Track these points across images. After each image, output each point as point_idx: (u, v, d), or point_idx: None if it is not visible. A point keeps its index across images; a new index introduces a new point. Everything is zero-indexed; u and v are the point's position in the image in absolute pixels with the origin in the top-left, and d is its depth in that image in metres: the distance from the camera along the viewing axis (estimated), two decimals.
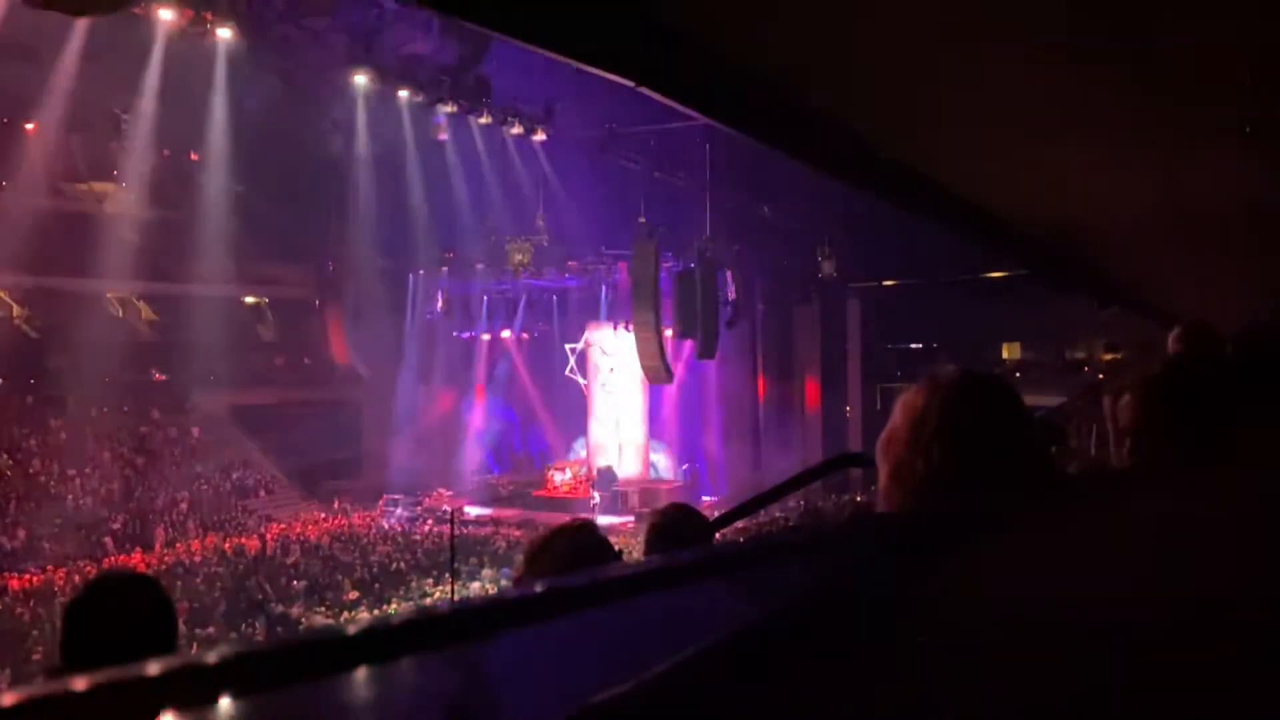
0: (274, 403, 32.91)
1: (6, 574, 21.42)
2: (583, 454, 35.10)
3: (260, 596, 20.76)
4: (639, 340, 29.36)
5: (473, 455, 35.00)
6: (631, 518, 27.65)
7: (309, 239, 32.01)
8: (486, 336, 35.55)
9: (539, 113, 25.61)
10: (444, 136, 26.11)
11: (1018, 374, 30.08)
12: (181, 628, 2.36)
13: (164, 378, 31.17)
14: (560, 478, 32.87)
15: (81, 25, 22.15)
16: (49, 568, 22.13)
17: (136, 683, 0.50)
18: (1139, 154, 6.18)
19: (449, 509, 28.10)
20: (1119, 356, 29.17)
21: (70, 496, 25.54)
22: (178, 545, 24.85)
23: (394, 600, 21.20)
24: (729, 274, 30.78)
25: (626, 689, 0.50)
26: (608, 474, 33.05)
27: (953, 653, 0.64)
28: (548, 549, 2.15)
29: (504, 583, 20.04)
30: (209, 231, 29.70)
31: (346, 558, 24.12)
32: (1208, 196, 7.20)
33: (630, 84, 4.41)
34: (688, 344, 30.43)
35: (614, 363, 34.91)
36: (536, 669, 0.59)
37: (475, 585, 21.55)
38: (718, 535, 3.19)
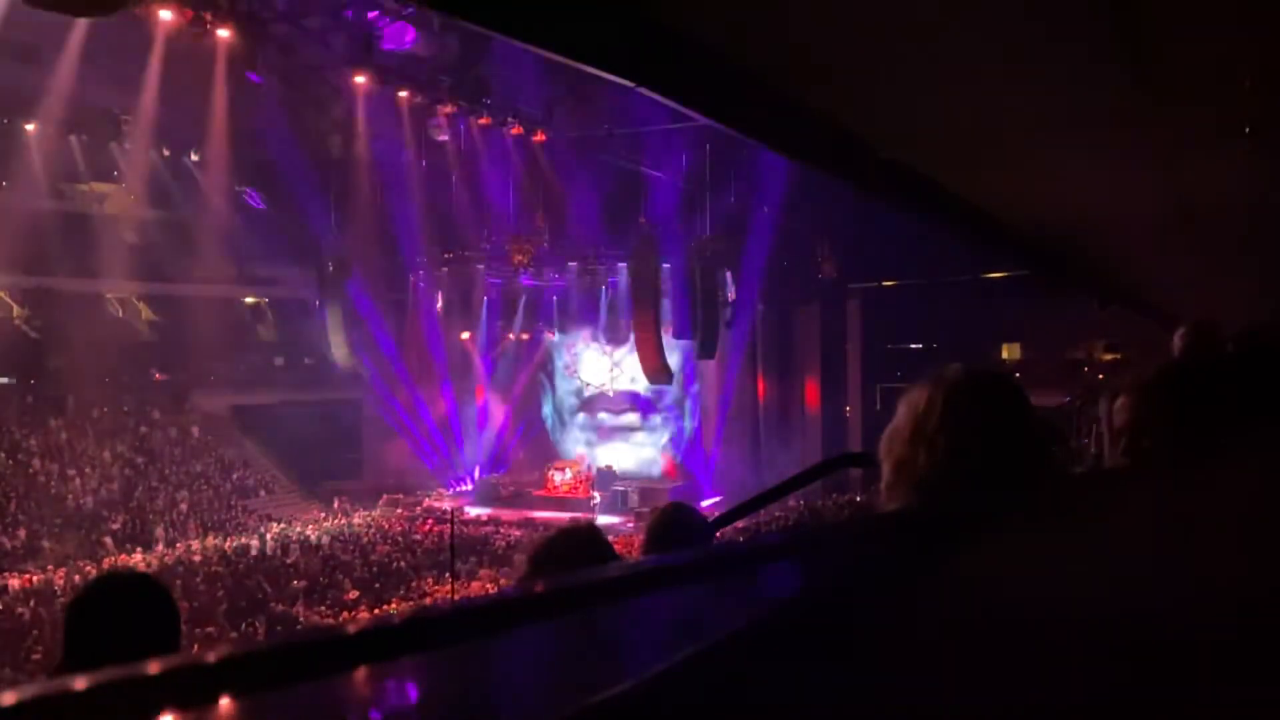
0: (274, 403, 32.92)
1: (6, 574, 21.42)
2: (582, 453, 35.12)
3: (260, 596, 20.75)
4: (639, 341, 29.38)
5: (473, 455, 34.99)
6: (631, 518, 27.65)
7: (309, 239, 31.99)
8: (486, 336, 35.55)
9: (539, 113, 25.62)
10: (444, 136, 26.10)
11: (1018, 374, 30.02)
12: (181, 627, 2.36)
13: (164, 378, 31.17)
14: (560, 478, 32.88)
15: (81, 25, 22.14)
16: (49, 568, 22.12)
17: (136, 683, 0.50)
18: (1139, 154, 6.18)
19: (449, 509, 28.10)
20: (1119, 356, 29.18)
21: (70, 496, 25.55)
22: (178, 545, 24.85)
23: (394, 600, 21.20)
24: (729, 274, 30.79)
25: (626, 689, 0.50)
26: (608, 474, 33.07)
27: (952, 653, 0.64)
28: (550, 550, 2.15)
29: (504, 582, 20.05)
30: (209, 231, 29.70)
31: (346, 558, 24.12)
32: (1208, 196, 7.20)
33: (630, 84, 4.41)
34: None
35: (613, 362, 34.97)
36: (536, 669, 0.59)
37: (475, 585, 21.54)
38: (718, 535, 3.19)
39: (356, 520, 28.98)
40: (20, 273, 27.26)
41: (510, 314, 35.23)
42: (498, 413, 36.36)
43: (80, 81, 23.84)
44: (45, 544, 23.38)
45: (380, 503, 31.13)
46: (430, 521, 28.69)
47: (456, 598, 17.04)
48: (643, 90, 4.52)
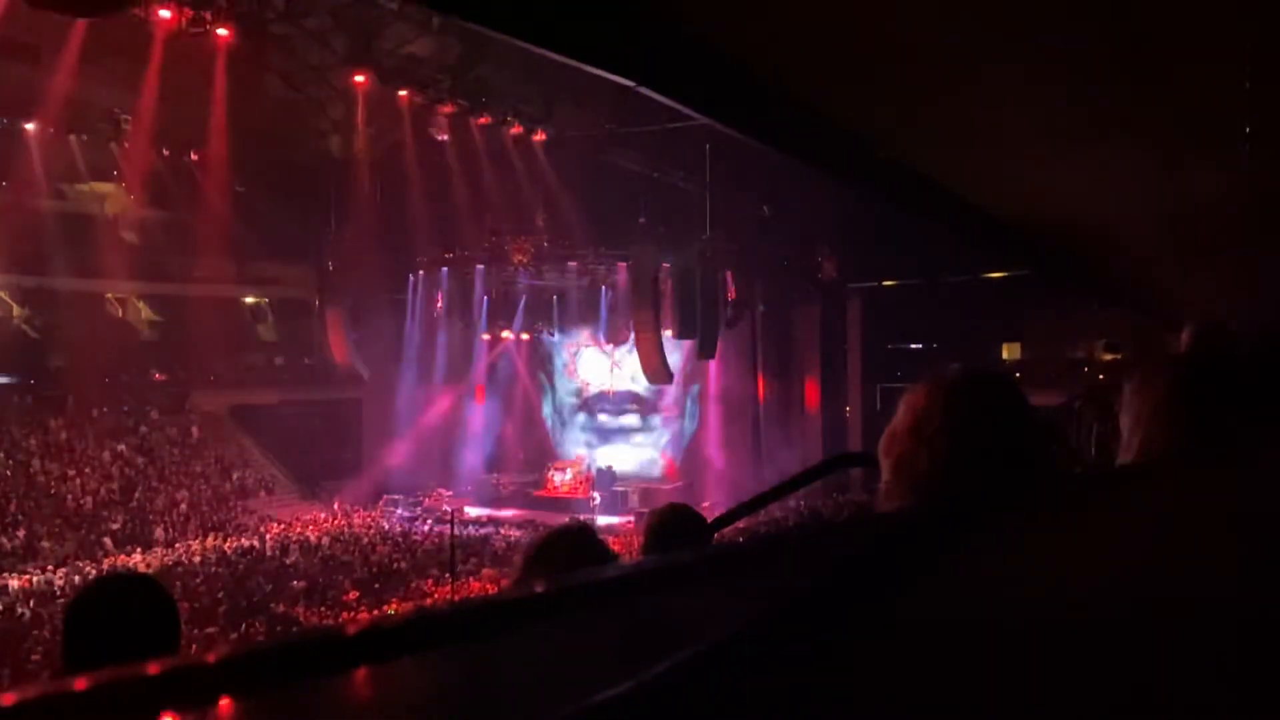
0: (274, 403, 32.93)
1: (6, 574, 21.42)
2: (582, 454, 35.13)
3: (260, 596, 20.76)
4: (639, 340, 29.37)
5: (473, 455, 34.99)
6: (631, 518, 27.65)
7: (309, 239, 32.01)
8: (486, 336, 35.54)
9: (539, 113, 25.63)
10: (444, 136, 26.11)
11: (1018, 374, 30.05)
12: (181, 628, 2.36)
13: (164, 378, 31.17)
14: (560, 478, 32.88)
15: (81, 25, 22.13)
16: (49, 568, 22.12)
17: (136, 683, 0.50)
18: (1139, 154, 6.18)
19: (449, 509, 28.10)
20: (1119, 356, 29.16)
21: (70, 496, 25.54)
22: (177, 545, 24.85)
23: (394, 600, 21.20)
24: (729, 274, 30.79)
25: (626, 689, 0.50)
26: (608, 474, 33.07)
27: (952, 653, 0.64)
28: (545, 552, 2.15)
29: (504, 583, 20.04)
30: (209, 231, 29.70)
31: (346, 558, 24.12)
32: (1208, 196, 7.20)
33: (630, 84, 4.41)
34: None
35: (613, 362, 34.98)
36: (536, 669, 0.59)
37: (475, 585, 21.54)
38: (717, 535, 3.19)
39: (356, 520, 28.98)
40: (20, 273, 27.27)
41: (510, 314, 35.21)
42: (498, 413, 36.36)
43: (80, 81, 23.85)
44: (45, 544, 23.39)
45: (380, 503, 31.13)
46: (430, 521, 28.70)
47: (456, 598, 17.05)
48: (643, 90, 4.52)
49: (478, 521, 29.55)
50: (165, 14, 18.83)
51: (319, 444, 32.45)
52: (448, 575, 21.56)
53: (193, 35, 19.88)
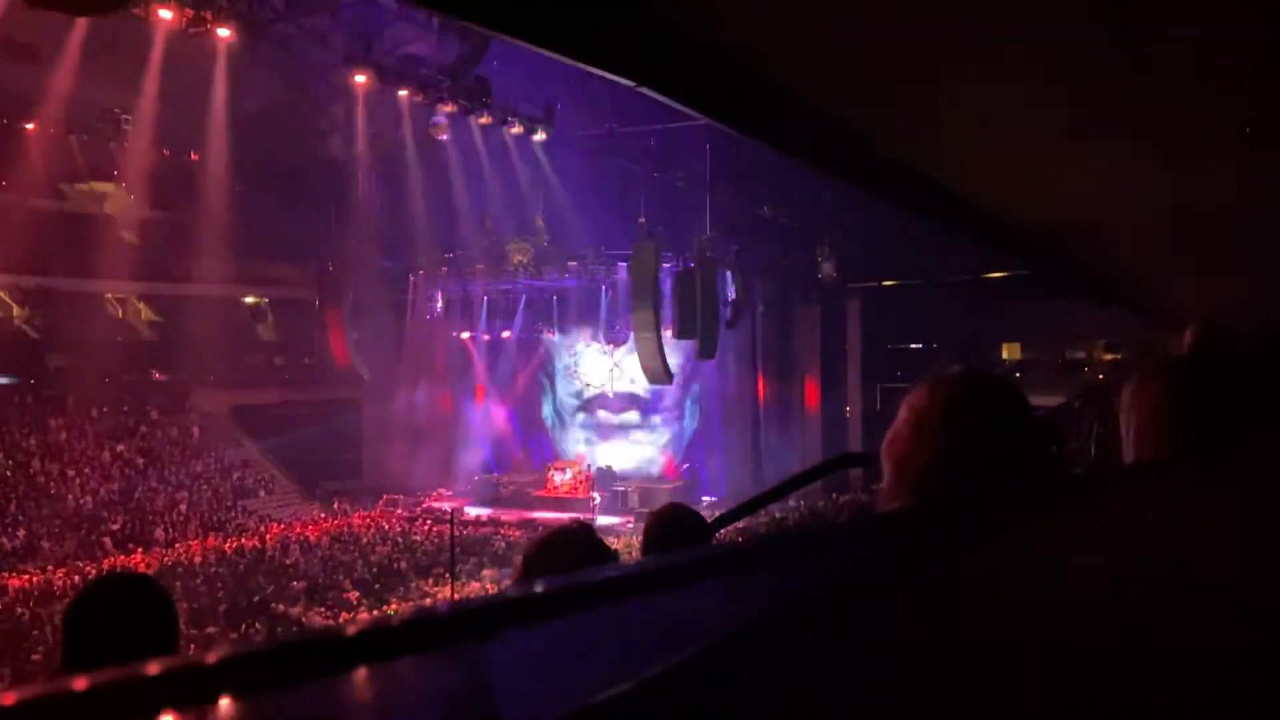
0: (274, 403, 32.93)
1: (6, 574, 21.42)
2: (582, 453, 35.13)
3: (259, 597, 20.76)
4: (639, 341, 29.37)
5: (473, 455, 35.00)
6: (631, 518, 27.66)
7: (309, 239, 32.02)
8: (486, 337, 35.55)
9: (539, 113, 25.63)
10: (444, 136, 26.12)
11: (1018, 374, 30.07)
12: (181, 627, 2.36)
13: (164, 378, 31.17)
14: (560, 478, 32.88)
15: (81, 25, 22.14)
16: (49, 568, 22.12)
17: (136, 683, 0.50)
18: (1139, 154, 6.18)
19: (449, 509, 28.10)
20: (1119, 356, 29.17)
21: (70, 496, 25.54)
22: (177, 545, 24.85)
23: (394, 600, 21.20)
24: (729, 274, 30.79)
25: (626, 689, 0.50)
26: (608, 474, 33.07)
27: (952, 653, 0.64)
28: (544, 551, 2.15)
29: (504, 583, 20.04)
30: (209, 231, 29.71)
31: (346, 558, 24.12)
32: (1208, 196, 7.20)
33: (630, 84, 4.41)
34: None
35: (613, 362, 34.98)
36: (536, 669, 0.59)
37: (475, 585, 21.54)
38: (717, 535, 3.19)
39: (356, 520, 28.98)
40: (20, 273, 27.26)
41: (510, 314, 35.21)
42: (498, 413, 36.36)
43: (80, 81, 23.85)
44: (45, 544, 23.39)
45: (380, 503, 31.13)
46: (430, 522, 28.70)
47: (456, 598, 17.05)
48: (643, 90, 4.52)
49: (478, 521, 29.55)
50: (165, 14, 18.80)
51: (319, 444, 32.45)
52: (448, 575, 21.55)
53: (193, 35, 19.87)
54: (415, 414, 34.27)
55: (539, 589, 0.67)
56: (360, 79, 22.38)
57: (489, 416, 36.17)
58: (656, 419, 35.35)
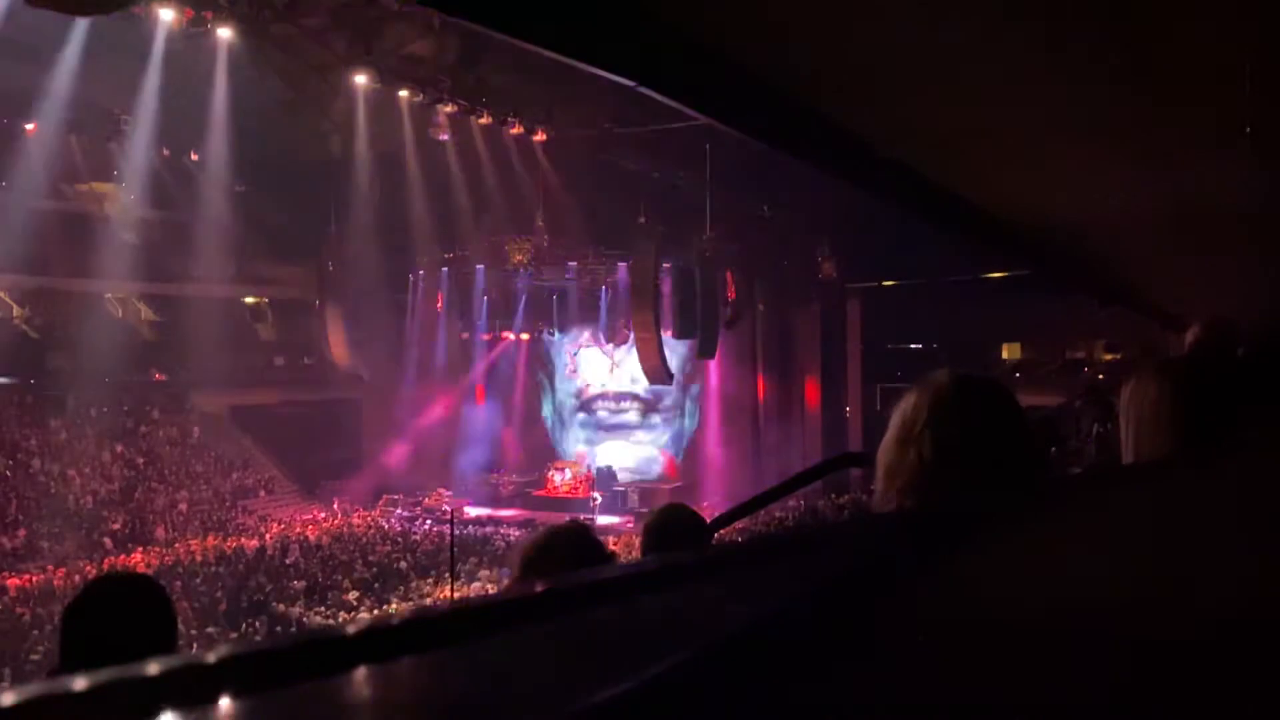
0: (274, 403, 32.92)
1: (6, 574, 21.41)
2: (582, 453, 35.13)
3: (260, 596, 20.76)
4: (639, 341, 29.36)
5: (473, 455, 35.00)
6: (631, 518, 27.66)
7: (309, 239, 31.99)
8: (486, 336, 35.54)
9: (539, 113, 25.61)
10: (444, 136, 26.11)
11: (1018, 374, 30.11)
12: (181, 628, 2.35)
13: (164, 378, 31.17)
14: (560, 478, 32.87)
15: (81, 25, 22.13)
16: (49, 568, 22.12)
17: (136, 683, 0.50)
18: (1139, 154, 6.18)
19: (449, 509, 28.09)
20: (1119, 356, 29.17)
21: (70, 496, 25.54)
22: (177, 545, 24.85)
23: (394, 600, 21.20)
24: (729, 274, 30.78)
25: (626, 689, 0.50)
26: (607, 474, 33.06)
27: (951, 653, 0.64)
28: (542, 551, 2.15)
29: (504, 582, 20.02)
30: (209, 231, 29.70)
31: (346, 558, 24.11)
32: (1208, 196, 7.20)
33: (630, 84, 4.41)
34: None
35: (613, 362, 34.98)
36: (536, 669, 0.59)
37: (475, 585, 21.54)
38: (717, 535, 3.19)
39: (356, 520, 28.97)
40: (20, 273, 27.26)
41: (510, 314, 35.21)
42: (497, 413, 36.36)
43: (80, 81, 23.84)
44: (45, 544, 23.38)
45: (380, 503, 31.12)
46: (430, 521, 28.69)
47: (456, 598, 17.05)
48: (643, 90, 4.52)
49: (478, 521, 29.55)
50: (165, 14, 18.80)
51: (319, 444, 32.45)
52: (448, 575, 21.56)
53: (193, 35, 19.86)
54: (415, 414, 34.26)
55: (539, 589, 0.67)
56: (360, 79, 22.37)
57: (489, 416, 36.16)
58: (656, 419, 35.34)
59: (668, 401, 34.88)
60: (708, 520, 3.16)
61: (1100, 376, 27.03)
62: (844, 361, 35.01)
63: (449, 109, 23.81)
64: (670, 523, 2.94)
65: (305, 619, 19.55)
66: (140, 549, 23.98)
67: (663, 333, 29.09)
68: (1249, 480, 1.27)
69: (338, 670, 0.53)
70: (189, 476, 28.73)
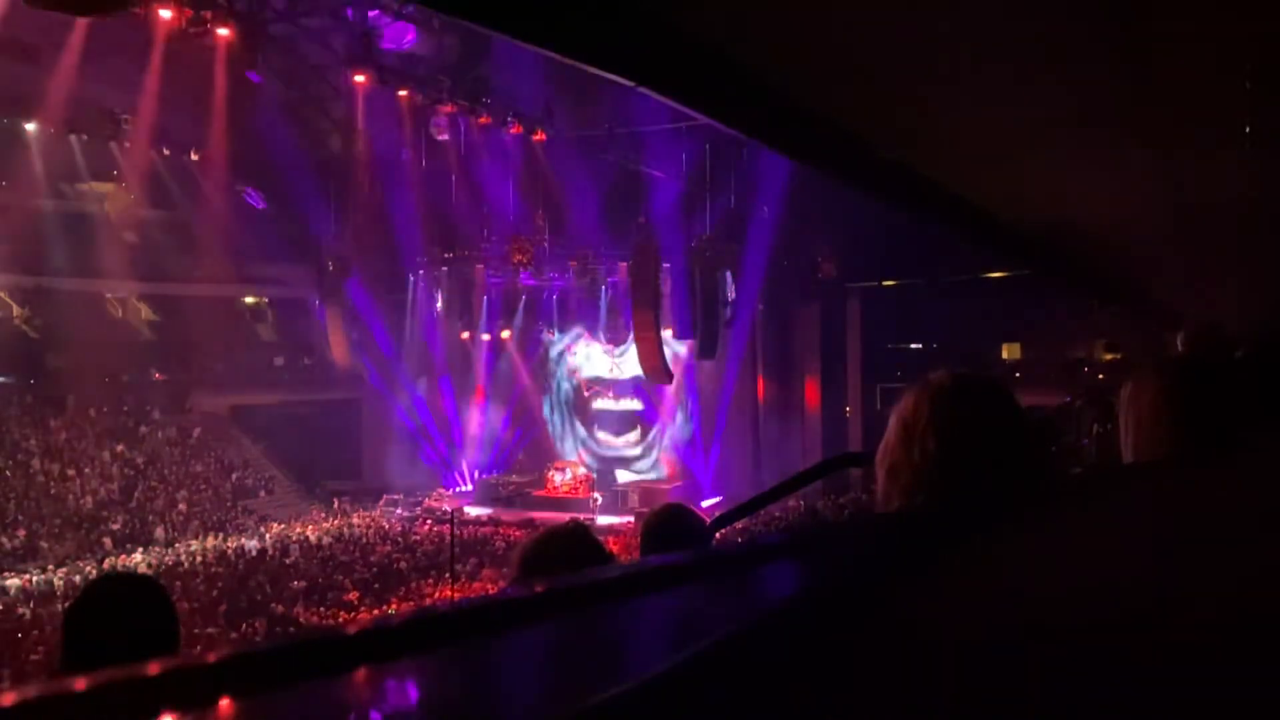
0: (274, 403, 32.91)
1: (6, 574, 21.41)
2: (582, 453, 35.13)
3: (260, 596, 20.75)
4: (638, 340, 29.37)
5: (473, 455, 34.98)
6: (631, 518, 27.65)
7: (309, 239, 32.00)
8: (486, 336, 35.54)
9: (539, 113, 25.62)
10: (444, 136, 26.11)
11: (1018, 374, 30.07)
12: (181, 628, 2.35)
13: (164, 378, 31.17)
14: (560, 478, 32.87)
15: (81, 25, 22.13)
16: (49, 568, 22.12)
17: (136, 683, 0.50)
18: (1139, 154, 6.17)
19: (449, 509, 28.09)
20: (1119, 356, 29.15)
21: (70, 496, 25.54)
22: (178, 545, 24.85)
23: (394, 600, 21.19)
24: (729, 274, 30.78)
25: (626, 689, 0.50)
26: (608, 474, 33.06)
27: (951, 653, 0.64)
28: (542, 551, 2.15)
29: (504, 583, 20.00)
30: (209, 231, 29.70)
31: (346, 558, 24.11)
32: (1208, 196, 7.20)
33: (630, 83, 4.41)
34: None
35: (613, 362, 34.99)
36: (536, 669, 0.59)
37: (475, 585, 21.53)
38: (717, 535, 3.19)
39: (356, 520, 28.97)
40: (20, 273, 27.26)
41: (510, 314, 35.21)
42: (498, 413, 36.35)
43: (80, 81, 23.84)
44: (45, 544, 23.38)
45: (380, 503, 31.12)
46: (430, 522, 28.68)
47: (456, 598, 17.04)
48: (643, 90, 4.52)
49: (478, 522, 29.54)
50: (165, 14, 18.79)
51: (319, 444, 32.43)
52: (448, 575, 21.55)
53: (193, 35, 19.85)
54: (415, 414, 34.24)
55: (539, 589, 0.67)
56: (360, 79, 22.37)
57: (489, 416, 36.16)
58: (656, 419, 35.35)
59: (668, 402, 34.88)
60: (708, 520, 3.16)
61: (1100, 376, 27.04)
62: (844, 361, 34.98)
63: (449, 109, 23.82)
64: (670, 523, 2.94)
65: (305, 619, 19.55)
66: (140, 549, 23.97)
67: (663, 333, 29.09)
68: (1248, 480, 1.27)
69: (338, 670, 0.53)
70: (189, 476, 28.73)
